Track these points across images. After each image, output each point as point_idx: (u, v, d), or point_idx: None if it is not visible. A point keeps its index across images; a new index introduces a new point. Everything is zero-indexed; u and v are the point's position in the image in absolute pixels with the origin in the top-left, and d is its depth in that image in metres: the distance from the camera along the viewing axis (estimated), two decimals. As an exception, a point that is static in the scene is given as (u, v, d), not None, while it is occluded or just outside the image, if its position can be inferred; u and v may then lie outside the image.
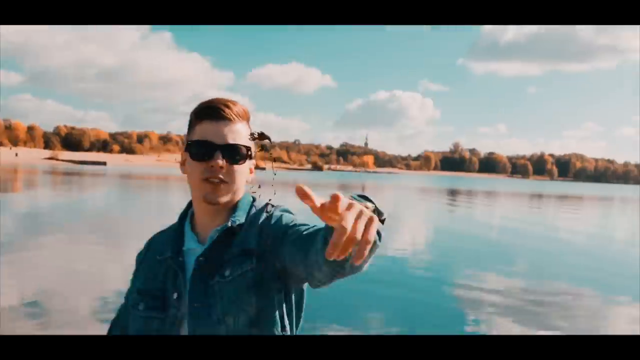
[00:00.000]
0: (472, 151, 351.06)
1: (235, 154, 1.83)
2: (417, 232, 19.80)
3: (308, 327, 2.09)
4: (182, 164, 1.91)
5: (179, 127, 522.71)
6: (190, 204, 1.98)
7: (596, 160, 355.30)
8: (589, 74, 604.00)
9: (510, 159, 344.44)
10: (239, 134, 1.84)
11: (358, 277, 1.49)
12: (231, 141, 1.81)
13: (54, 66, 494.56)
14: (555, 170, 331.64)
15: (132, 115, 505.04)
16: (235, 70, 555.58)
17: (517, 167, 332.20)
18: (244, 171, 1.88)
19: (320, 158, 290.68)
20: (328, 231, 1.39)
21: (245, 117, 1.90)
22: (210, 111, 1.83)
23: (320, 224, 1.53)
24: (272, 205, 1.95)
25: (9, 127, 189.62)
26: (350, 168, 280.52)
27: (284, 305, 1.83)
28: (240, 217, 1.88)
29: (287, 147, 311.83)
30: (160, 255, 1.92)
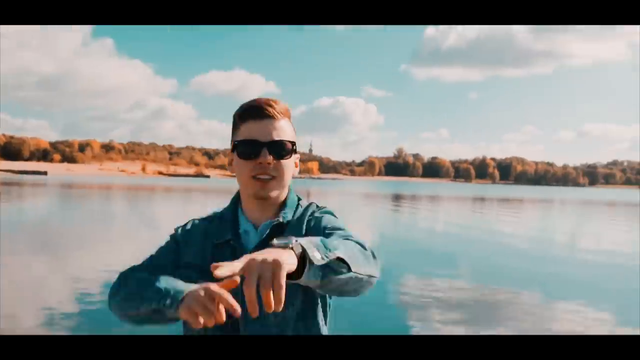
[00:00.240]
0: (416, 156, 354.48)
1: (281, 149, 1.89)
2: (362, 237, 19.66)
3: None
4: (229, 163, 1.99)
5: (122, 134, 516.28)
6: (239, 194, 2.05)
7: (536, 163, 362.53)
8: (528, 79, 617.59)
9: (453, 163, 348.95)
10: (283, 130, 1.90)
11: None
12: (276, 138, 1.88)
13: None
14: (497, 173, 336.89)
15: (73, 124, 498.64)
16: (178, 76, 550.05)
17: (460, 171, 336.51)
18: (290, 165, 1.94)
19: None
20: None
21: (287, 115, 1.96)
22: (254, 111, 1.90)
23: (354, 232, 1.80)
24: (317, 206, 2.06)
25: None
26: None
27: (321, 301, 1.94)
28: (288, 214, 1.96)
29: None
30: (218, 239, 1.96)
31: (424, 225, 26.80)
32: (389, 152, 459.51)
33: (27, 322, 7.82)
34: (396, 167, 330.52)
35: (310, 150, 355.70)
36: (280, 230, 1.92)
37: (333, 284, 1.54)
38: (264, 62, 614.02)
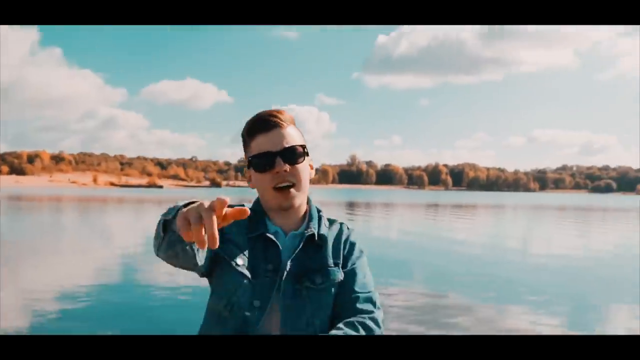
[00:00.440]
0: (369, 163, 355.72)
1: (294, 155, 1.99)
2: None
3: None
4: (249, 180, 2.08)
5: (72, 145, 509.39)
6: None
7: (488, 169, 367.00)
8: (478, 85, 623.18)
9: (406, 170, 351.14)
10: (291, 136, 2.01)
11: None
12: (286, 145, 1.97)
13: None
14: (449, 180, 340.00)
15: (22, 134, 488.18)
16: (129, 86, 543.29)
17: (413, 178, 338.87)
18: (305, 169, 2.04)
19: (219, 174, 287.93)
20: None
21: (292, 122, 2.07)
22: (260, 124, 2.00)
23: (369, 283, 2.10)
24: (348, 227, 2.20)
25: None
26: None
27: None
28: (314, 226, 2.08)
29: (184, 163, 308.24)
30: (251, 233, 2.04)
31: (378, 233, 26.88)
32: (342, 159, 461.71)
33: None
34: (349, 174, 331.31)
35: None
36: (310, 241, 2.05)
37: None
38: (216, 71, 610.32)
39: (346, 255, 2.09)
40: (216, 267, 2.01)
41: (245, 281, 1.95)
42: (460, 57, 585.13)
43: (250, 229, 2.03)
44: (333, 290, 2.02)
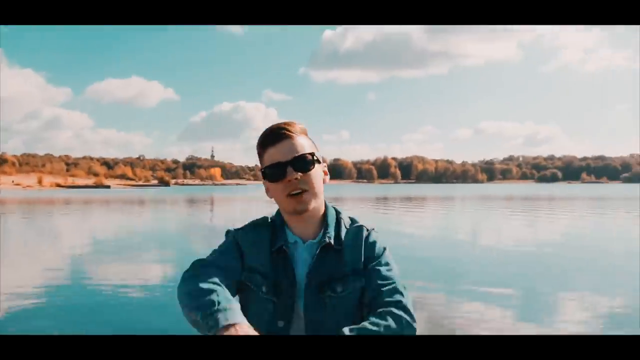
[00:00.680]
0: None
1: (303, 163, 2.08)
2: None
3: None
4: (267, 190, 2.20)
5: (15, 146, 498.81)
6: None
7: (436, 161, 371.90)
8: (424, 79, 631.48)
9: (355, 164, 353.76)
10: (301, 146, 2.10)
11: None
12: (296, 154, 2.07)
13: None
14: (398, 173, 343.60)
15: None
16: (73, 85, 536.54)
17: (363, 172, 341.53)
18: (317, 175, 2.14)
19: (167, 173, 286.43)
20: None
21: (304, 132, 2.16)
22: (271, 137, 2.10)
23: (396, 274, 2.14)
24: (367, 229, 2.23)
25: None
26: (197, 181, 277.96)
27: None
28: (331, 233, 2.16)
29: (131, 162, 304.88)
30: (273, 247, 2.14)
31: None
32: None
33: None
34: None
35: (213, 157, 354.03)
36: (329, 248, 2.12)
37: None
38: (161, 68, 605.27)
39: (367, 256, 2.14)
40: (241, 294, 2.15)
41: (269, 305, 2.07)
42: (406, 51, 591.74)
43: (272, 242, 2.15)
44: (356, 295, 2.09)
